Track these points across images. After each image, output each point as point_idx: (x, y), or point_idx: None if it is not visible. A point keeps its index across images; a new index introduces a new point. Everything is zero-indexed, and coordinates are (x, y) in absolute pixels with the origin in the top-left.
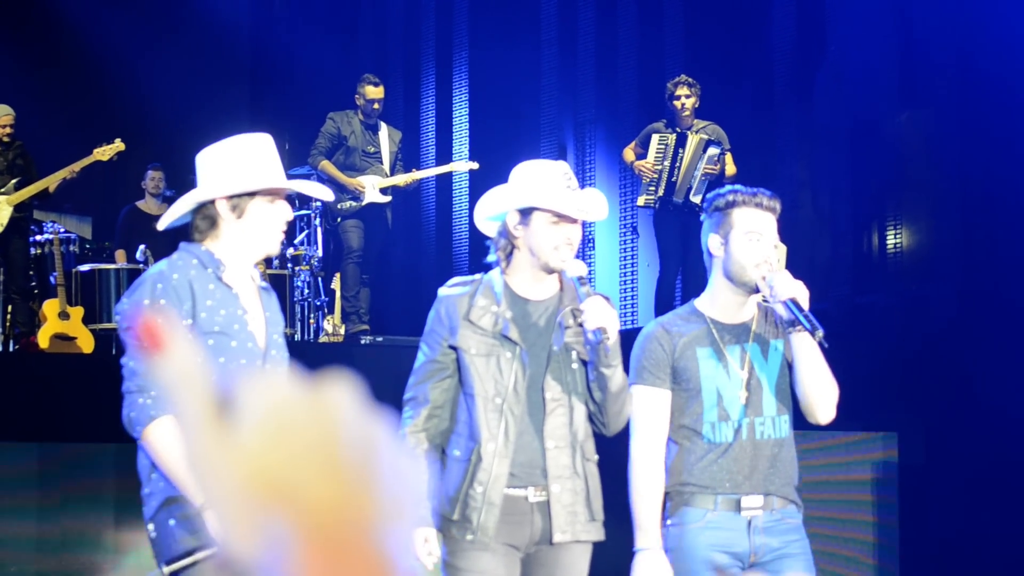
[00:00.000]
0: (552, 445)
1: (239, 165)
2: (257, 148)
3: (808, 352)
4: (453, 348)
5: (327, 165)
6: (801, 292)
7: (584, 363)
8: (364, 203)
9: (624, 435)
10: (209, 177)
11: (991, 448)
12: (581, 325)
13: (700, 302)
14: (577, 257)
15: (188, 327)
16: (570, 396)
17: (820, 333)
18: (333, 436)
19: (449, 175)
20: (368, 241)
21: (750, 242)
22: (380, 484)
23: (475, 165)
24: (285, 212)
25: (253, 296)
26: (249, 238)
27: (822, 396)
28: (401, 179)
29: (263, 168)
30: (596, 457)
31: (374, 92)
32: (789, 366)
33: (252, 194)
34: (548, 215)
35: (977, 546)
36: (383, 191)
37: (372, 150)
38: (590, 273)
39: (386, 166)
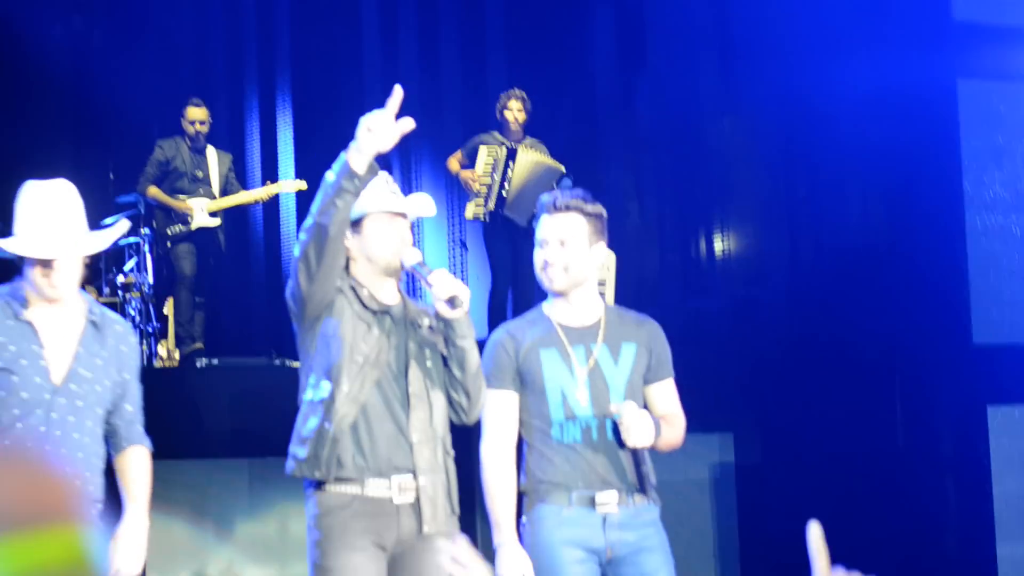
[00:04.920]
0: (416, 439)
1: (22, 218)
2: (42, 202)
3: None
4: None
5: (154, 190)
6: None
7: (442, 358)
8: (193, 227)
9: (476, 433)
10: (15, 223)
11: (824, 446)
12: (432, 307)
13: (547, 304)
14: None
15: None
16: (430, 391)
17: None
18: None
19: (276, 196)
20: (201, 266)
21: (537, 248)
22: None
23: (303, 185)
24: (43, 271)
25: (69, 331)
26: (31, 285)
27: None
28: (230, 201)
29: (29, 227)
30: (453, 452)
31: (196, 113)
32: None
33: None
34: (380, 217)
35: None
36: (212, 214)
37: (200, 174)
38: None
39: (215, 189)
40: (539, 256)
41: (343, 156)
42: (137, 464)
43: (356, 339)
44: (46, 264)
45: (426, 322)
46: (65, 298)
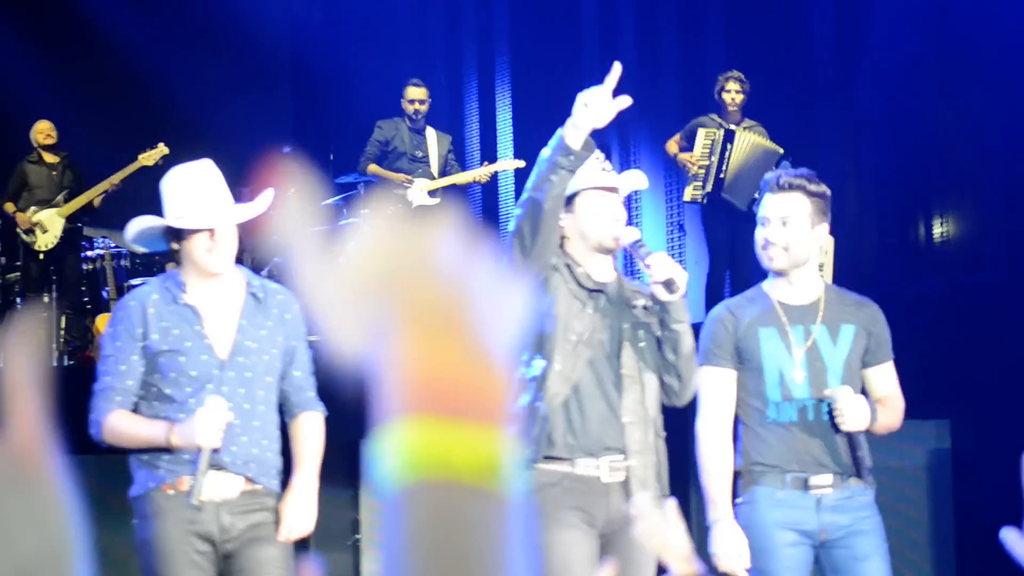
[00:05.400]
0: (628, 420)
1: (176, 198)
2: (193, 180)
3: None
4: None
5: (374, 167)
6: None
7: (656, 339)
8: (413, 207)
9: (690, 414)
10: (166, 207)
11: None
12: (647, 287)
13: (767, 283)
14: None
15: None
16: (642, 373)
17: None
18: (432, 255)
19: (495, 175)
20: None
21: (759, 226)
22: (477, 293)
23: (521, 163)
24: (207, 240)
25: (231, 306)
26: (191, 263)
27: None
28: (450, 180)
29: (190, 204)
30: (664, 434)
31: (416, 92)
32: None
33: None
34: (593, 194)
35: None
36: (431, 194)
37: (420, 154)
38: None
39: (434, 169)
40: (760, 234)
41: (559, 132)
42: (308, 430)
43: (570, 317)
44: (207, 237)
45: (641, 302)
46: (225, 271)
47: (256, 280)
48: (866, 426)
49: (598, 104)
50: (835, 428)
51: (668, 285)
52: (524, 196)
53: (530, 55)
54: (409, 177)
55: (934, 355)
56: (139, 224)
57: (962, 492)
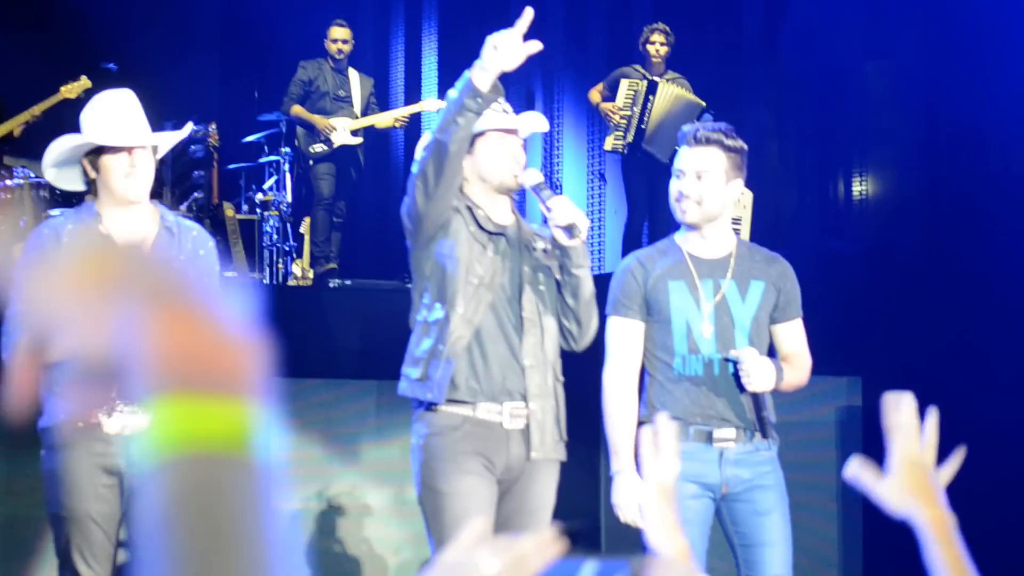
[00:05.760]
0: (528, 364)
1: (96, 121)
2: (114, 105)
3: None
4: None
5: (298, 109)
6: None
7: (556, 283)
8: (336, 145)
9: (591, 359)
10: (85, 129)
11: (954, 395)
12: (547, 230)
13: (679, 235)
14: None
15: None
16: (542, 316)
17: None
18: (154, 265)
19: (418, 118)
20: (340, 186)
21: (673, 179)
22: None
23: (443, 104)
24: (125, 163)
25: (144, 239)
26: (107, 190)
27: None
28: (372, 120)
29: (110, 125)
30: (563, 379)
31: (338, 32)
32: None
33: (100, 150)
34: (492, 135)
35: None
36: (354, 133)
37: (343, 94)
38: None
39: (357, 109)
40: (674, 187)
41: (466, 74)
42: None
43: (471, 260)
44: (125, 159)
45: (540, 245)
46: (142, 199)
47: (170, 215)
48: (771, 387)
49: (507, 47)
50: (740, 384)
51: (569, 230)
52: (428, 138)
53: (458, 10)
54: (331, 124)
55: (848, 312)
56: (58, 145)
57: (872, 449)
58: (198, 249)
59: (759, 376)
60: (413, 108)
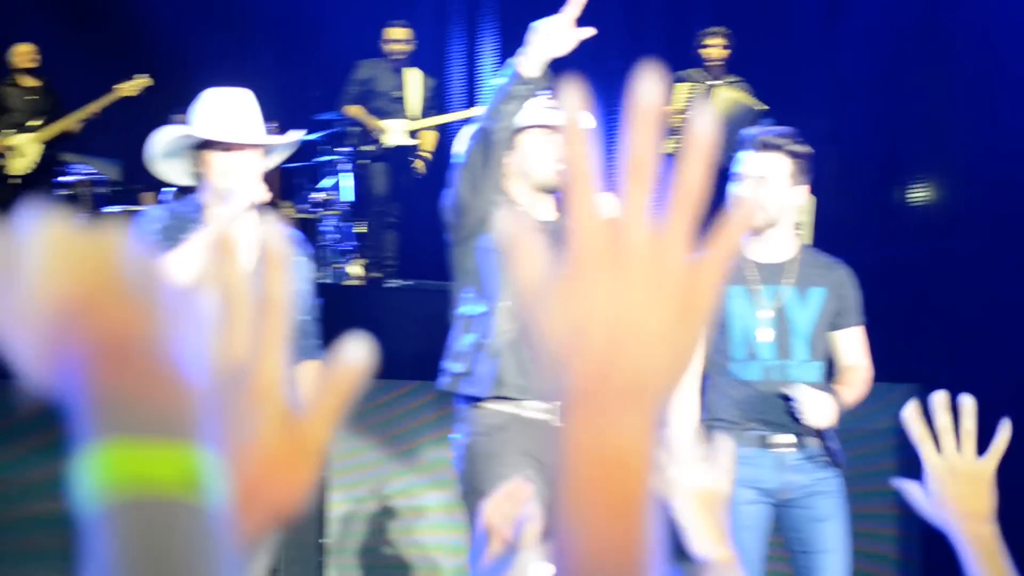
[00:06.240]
0: None
1: (207, 114)
2: (228, 101)
3: None
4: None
5: (353, 109)
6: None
7: None
8: (387, 147)
9: None
10: (194, 122)
11: (1015, 405)
12: None
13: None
14: None
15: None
16: None
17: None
18: (114, 262)
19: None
20: (394, 187)
21: (736, 183)
22: (164, 304)
23: None
24: (231, 162)
25: (247, 245)
26: (211, 188)
27: None
28: (430, 121)
29: (212, 119)
30: None
31: (396, 33)
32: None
33: (207, 145)
34: (536, 132)
35: (1001, 502)
36: (412, 134)
37: (398, 95)
38: None
39: (415, 110)
40: (736, 191)
41: (511, 62)
42: (305, 378)
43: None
44: (231, 157)
45: None
46: (245, 204)
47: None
48: (831, 422)
49: (556, 32)
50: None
51: None
52: (475, 127)
53: (519, 13)
54: (381, 125)
55: (908, 319)
56: (164, 135)
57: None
58: (293, 255)
59: (815, 413)
60: (468, 112)
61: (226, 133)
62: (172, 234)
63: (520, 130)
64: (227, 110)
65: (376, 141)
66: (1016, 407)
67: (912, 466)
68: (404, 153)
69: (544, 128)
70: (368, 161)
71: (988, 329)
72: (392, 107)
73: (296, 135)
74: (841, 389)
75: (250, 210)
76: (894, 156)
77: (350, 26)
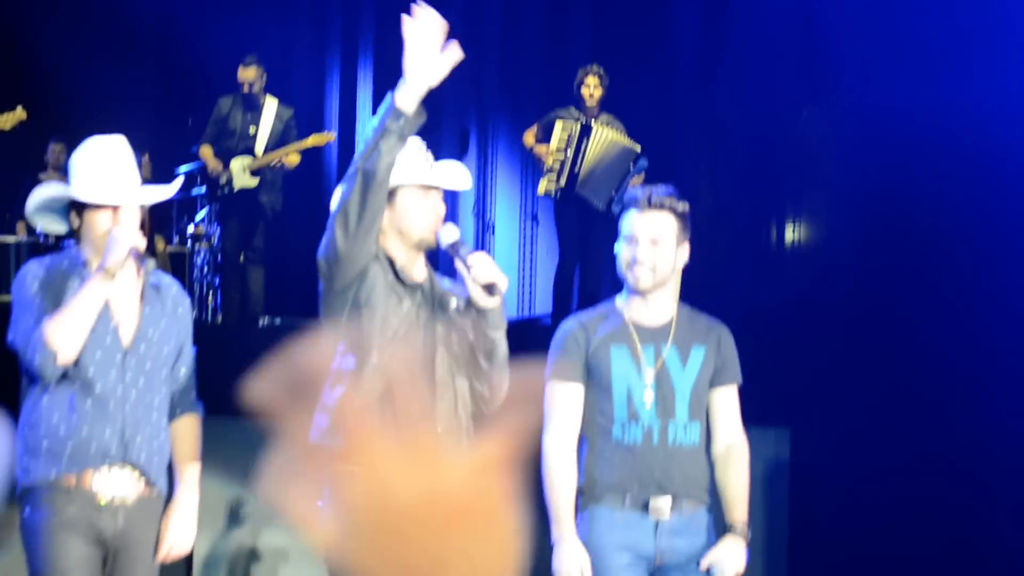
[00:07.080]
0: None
1: (83, 171)
2: (102, 154)
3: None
4: None
5: (203, 151)
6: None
7: (468, 344)
8: (236, 188)
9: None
10: (73, 179)
11: (884, 449)
12: (459, 289)
13: (621, 299)
14: (465, 241)
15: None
16: (455, 378)
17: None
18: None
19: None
20: (246, 225)
21: (624, 244)
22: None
23: (332, 136)
24: (110, 221)
25: (132, 291)
26: (93, 246)
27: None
28: (267, 159)
29: (90, 177)
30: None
31: (243, 74)
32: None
33: (84, 206)
34: (413, 190)
35: (867, 548)
36: (254, 173)
37: (252, 131)
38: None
39: (261, 146)
40: (627, 252)
41: (389, 96)
42: (191, 433)
43: (388, 311)
44: (110, 215)
45: (454, 303)
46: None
47: (150, 265)
48: (740, 570)
49: (425, 60)
50: (679, 453)
51: (489, 289)
52: (350, 170)
53: (394, 39)
54: (219, 169)
55: (778, 363)
56: (43, 193)
57: (798, 503)
58: (178, 307)
59: (734, 571)
60: (301, 144)
61: (106, 195)
62: (51, 291)
63: (397, 187)
64: (105, 166)
65: (220, 181)
66: (883, 450)
67: (777, 513)
68: (251, 194)
69: (420, 187)
70: (221, 202)
71: (856, 374)
72: (241, 144)
73: (173, 187)
74: (730, 479)
75: (129, 258)
76: (768, 196)
77: (229, 54)
